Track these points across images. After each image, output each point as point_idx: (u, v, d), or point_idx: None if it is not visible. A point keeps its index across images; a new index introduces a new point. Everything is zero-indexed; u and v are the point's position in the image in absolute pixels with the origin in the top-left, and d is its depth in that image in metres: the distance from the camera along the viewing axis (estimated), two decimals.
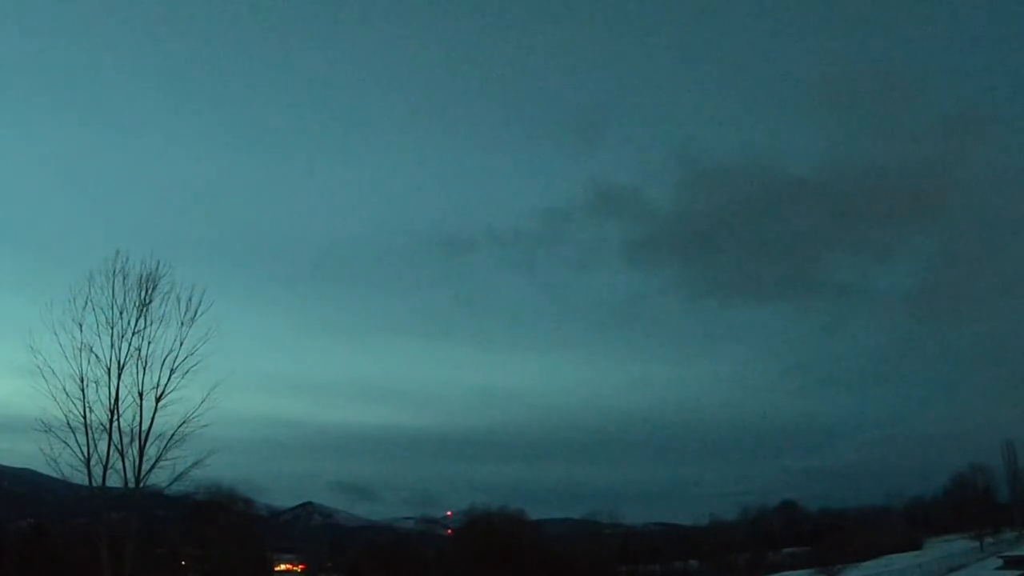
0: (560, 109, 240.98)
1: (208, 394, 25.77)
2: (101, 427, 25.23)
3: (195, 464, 25.84)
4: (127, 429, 25.55)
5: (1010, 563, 56.05)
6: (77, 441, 24.99)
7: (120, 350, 25.67)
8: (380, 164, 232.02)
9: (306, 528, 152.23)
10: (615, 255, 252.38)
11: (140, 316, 26.03)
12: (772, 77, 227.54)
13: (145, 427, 25.68)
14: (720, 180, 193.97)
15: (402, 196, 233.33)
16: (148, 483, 25.96)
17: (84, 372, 25.19)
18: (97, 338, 25.53)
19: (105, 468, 25.27)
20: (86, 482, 25.42)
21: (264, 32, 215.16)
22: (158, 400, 25.76)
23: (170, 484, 26.47)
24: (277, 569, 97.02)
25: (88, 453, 25.09)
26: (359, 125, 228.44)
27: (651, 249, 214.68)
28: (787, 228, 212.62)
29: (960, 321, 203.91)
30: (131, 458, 25.56)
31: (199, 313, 26.40)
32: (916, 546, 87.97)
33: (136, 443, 25.61)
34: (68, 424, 24.83)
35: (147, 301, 26.18)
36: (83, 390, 25.06)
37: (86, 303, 25.58)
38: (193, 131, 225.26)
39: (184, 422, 25.53)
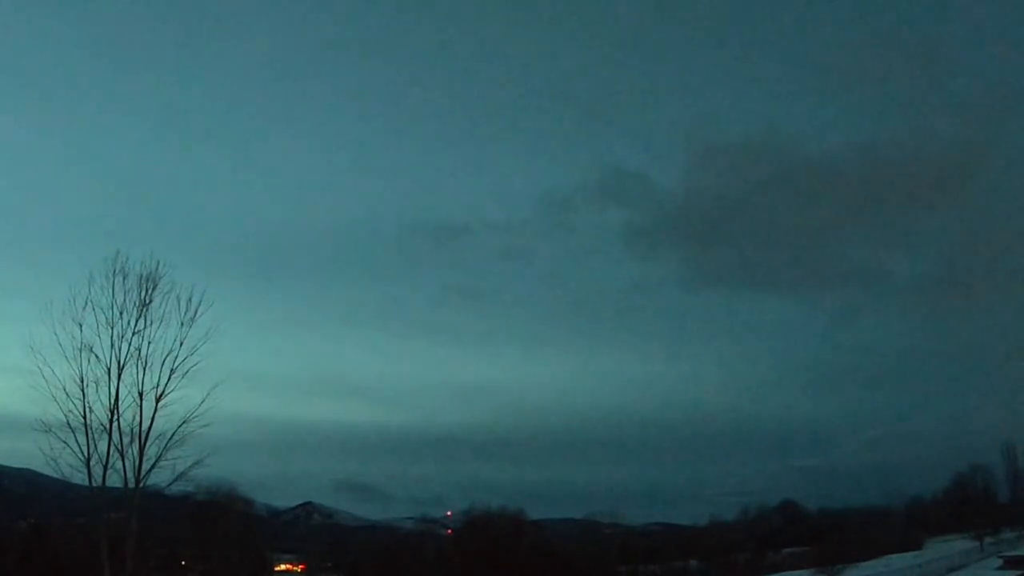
0: (561, 86, 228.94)
1: (208, 394, 25.91)
2: (101, 427, 25.32)
3: (195, 464, 25.99)
4: (127, 429, 25.66)
5: (1010, 563, 55.95)
6: (77, 441, 25.11)
7: (120, 350, 25.76)
8: (368, 148, 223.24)
9: (306, 528, 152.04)
10: (617, 243, 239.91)
11: (140, 316, 26.12)
12: (789, 53, 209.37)
13: (145, 427, 25.78)
14: (731, 161, 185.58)
15: (393, 182, 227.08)
16: (148, 483, 26.05)
17: (84, 372, 25.29)
18: (97, 338, 25.63)
19: (105, 468, 25.37)
20: (86, 482, 25.50)
21: (247, 16, 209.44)
22: (158, 400, 25.83)
23: (170, 484, 26.62)
24: (277, 569, 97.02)
25: (88, 453, 25.20)
26: (337, 102, 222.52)
27: (655, 236, 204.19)
28: (800, 214, 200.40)
29: (969, 315, 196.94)
30: (131, 458, 25.63)
31: (199, 313, 26.54)
32: (916, 546, 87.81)
33: (136, 443, 25.69)
34: (68, 424, 24.92)
35: (147, 301, 26.26)
36: (83, 390, 25.14)
37: (86, 303, 25.68)
38: (169, 120, 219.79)
39: (184, 422, 25.65)
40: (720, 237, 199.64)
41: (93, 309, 25.65)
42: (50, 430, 24.72)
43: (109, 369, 25.50)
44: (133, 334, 25.85)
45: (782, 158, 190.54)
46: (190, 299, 26.52)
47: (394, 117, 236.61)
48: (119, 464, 25.46)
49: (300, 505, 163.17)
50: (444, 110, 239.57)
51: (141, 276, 26.38)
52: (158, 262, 26.64)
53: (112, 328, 25.73)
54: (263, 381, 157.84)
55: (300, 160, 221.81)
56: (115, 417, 25.41)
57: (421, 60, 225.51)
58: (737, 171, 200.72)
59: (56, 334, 25.25)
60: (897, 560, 71.40)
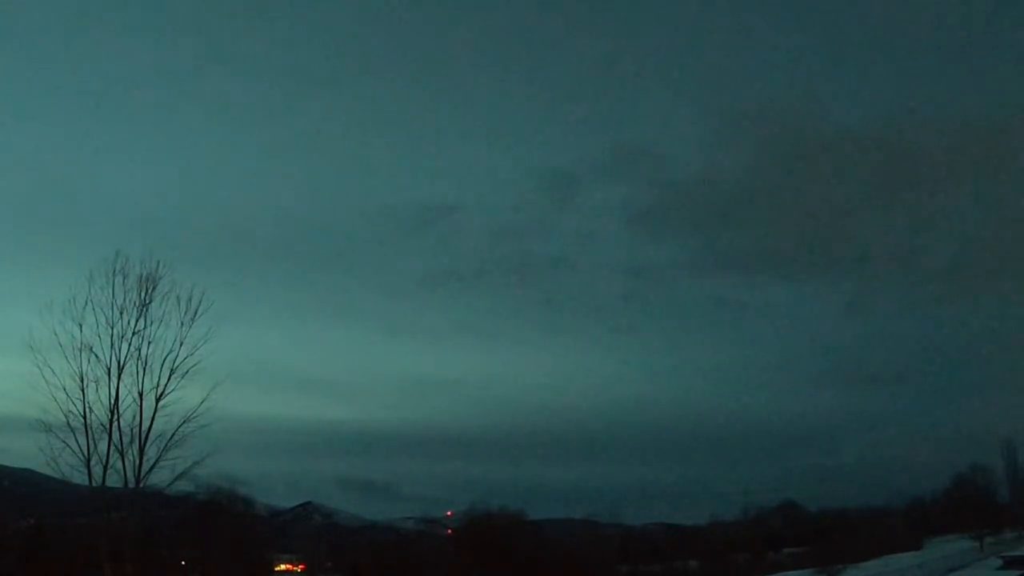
0: (563, 52, 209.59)
1: (208, 394, 25.96)
2: (101, 427, 25.32)
3: (195, 464, 26.07)
4: (127, 429, 25.65)
5: (1010, 563, 55.89)
6: (77, 441, 25.09)
7: (120, 350, 25.78)
8: (355, 125, 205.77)
9: (306, 528, 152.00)
10: (621, 224, 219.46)
11: (140, 316, 26.16)
12: (810, 16, 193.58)
13: (145, 427, 25.79)
14: (747, 135, 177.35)
15: (385, 164, 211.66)
16: (148, 483, 26.07)
17: (84, 372, 25.29)
18: (97, 338, 25.63)
19: (105, 468, 25.36)
20: (86, 482, 25.50)
21: (237, 15, 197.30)
22: (158, 400, 25.86)
23: (170, 484, 26.66)
24: (277, 569, 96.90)
25: (88, 453, 25.19)
26: (323, 76, 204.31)
27: (663, 217, 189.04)
28: (818, 193, 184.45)
29: (984, 306, 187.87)
30: (131, 458, 25.62)
31: (199, 313, 26.57)
32: (916, 546, 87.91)
33: (136, 443, 25.70)
34: (68, 424, 24.92)
35: (147, 301, 26.31)
36: (83, 390, 25.15)
37: (86, 303, 25.68)
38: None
39: (184, 422, 25.68)
40: (732, 218, 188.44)
41: (93, 309, 25.70)
42: (50, 430, 24.76)
43: (109, 369, 25.54)
44: (133, 334, 25.91)
45: (800, 132, 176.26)
46: (190, 299, 26.59)
47: (378, 88, 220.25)
48: (119, 464, 25.47)
49: (300, 505, 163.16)
50: (433, 82, 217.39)
51: (141, 276, 26.43)
52: (158, 262, 26.73)
53: (112, 328, 25.79)
54: (262, 380, 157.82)
55: (293, 148, 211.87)
56: (115, 417, 25.44)
57: (411, 26, 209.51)
58: (753, 145, 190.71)
59: (56, 334, 25.27)
60: (897, 560, 71.41)
